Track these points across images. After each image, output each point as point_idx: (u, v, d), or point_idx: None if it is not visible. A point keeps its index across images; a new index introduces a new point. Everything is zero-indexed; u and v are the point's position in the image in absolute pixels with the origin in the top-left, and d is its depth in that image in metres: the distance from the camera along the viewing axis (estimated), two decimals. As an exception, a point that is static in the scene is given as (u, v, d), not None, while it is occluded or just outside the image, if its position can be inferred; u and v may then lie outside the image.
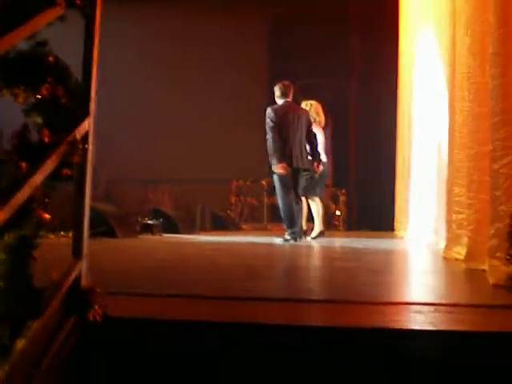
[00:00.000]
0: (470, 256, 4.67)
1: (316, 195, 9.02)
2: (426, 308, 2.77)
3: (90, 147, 2.48)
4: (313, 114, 9.18)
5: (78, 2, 2.30)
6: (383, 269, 5.11)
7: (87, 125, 2.46)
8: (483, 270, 4.30)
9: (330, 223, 13.98)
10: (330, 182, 11.95)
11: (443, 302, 3.00)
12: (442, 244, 6.62)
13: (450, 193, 5.81)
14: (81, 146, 2.36)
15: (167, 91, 15.05)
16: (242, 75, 15.23)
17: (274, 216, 12.88)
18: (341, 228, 14.46)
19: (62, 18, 2.37)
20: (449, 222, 5.83)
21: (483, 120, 4.54)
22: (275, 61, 15.38)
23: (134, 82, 14.91)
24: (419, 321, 2.53)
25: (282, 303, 2.98)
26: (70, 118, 2.33)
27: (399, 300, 3.10)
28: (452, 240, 5.69)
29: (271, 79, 13.40)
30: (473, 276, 4.25)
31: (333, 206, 14.53)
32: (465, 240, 5.26)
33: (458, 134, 5.51)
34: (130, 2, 14.51)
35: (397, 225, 12.15)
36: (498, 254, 3.76)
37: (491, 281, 3.69)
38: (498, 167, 3.80)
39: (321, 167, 8.69)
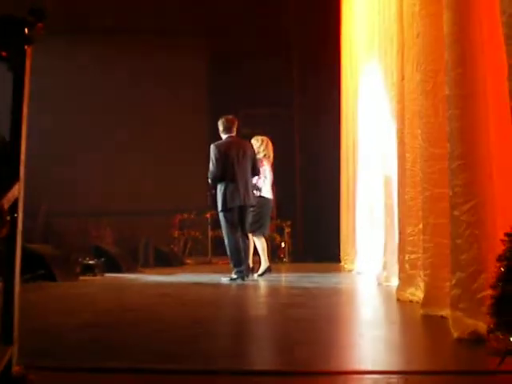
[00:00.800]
0: (427, 301, 4.50)
1: (261, 233, 8.84)
2: (396, 379, 2.54)
3: (20, 215, 2.18)
4: (267, 151, 9.12)
5: (3, 54, 2.03)
6: (339, 318, 4.88)
7: (16, 191, 2.17)
8: (442, 317, 4.14)
9: (275, 255, 13.81)
10: (274, 215, 11.80)
11: (413, 369, 2.77)
12: (393, 280, 6.47)
13: (402, 232, 5.65)
14: (9, 217, 2.07)
15: (109, 124, 14.78)
16: (183, 108, 15.10)
17: (219, 249, 12.65)
18: (286, 260, 14.27)
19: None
20: (401, 261, 5.67)
21: (438, 161, 4.39)
22: (215, 93, 15.18)
23: (75, 114, 14.61)
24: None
25: (232, 377, 2.68)
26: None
27: (367, 368, 2.84)
28: (405, 281, 5.53)
29: (212, 111, 13.31)
30: (434, 326, 4.06)
31: (278, 238, 14.36)
32: (418, 281, 5.12)
33: (410, 173, 5.37)
34: (67, 35, 14.13)
35: (344, 257, 12.02)
36: (460, 305, 3.58)
37: (455, 334, 3.49)
38: (458, 214, 3.61)
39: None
